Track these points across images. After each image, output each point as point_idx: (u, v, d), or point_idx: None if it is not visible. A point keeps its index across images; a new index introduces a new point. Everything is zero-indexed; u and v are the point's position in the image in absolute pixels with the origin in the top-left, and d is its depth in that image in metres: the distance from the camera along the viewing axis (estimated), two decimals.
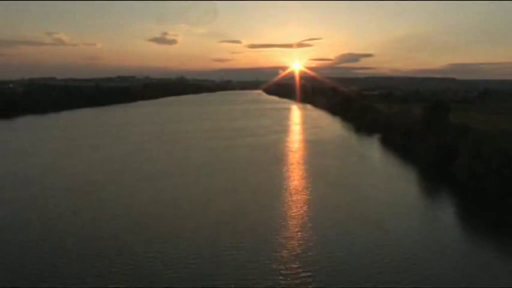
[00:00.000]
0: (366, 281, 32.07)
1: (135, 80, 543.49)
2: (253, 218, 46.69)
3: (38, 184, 61.28)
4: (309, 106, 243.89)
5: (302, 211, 49.37)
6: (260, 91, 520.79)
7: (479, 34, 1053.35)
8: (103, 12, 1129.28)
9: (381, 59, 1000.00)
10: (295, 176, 67.78)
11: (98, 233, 41.77)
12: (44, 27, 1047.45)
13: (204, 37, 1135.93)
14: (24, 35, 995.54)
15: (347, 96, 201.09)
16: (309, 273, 33.37)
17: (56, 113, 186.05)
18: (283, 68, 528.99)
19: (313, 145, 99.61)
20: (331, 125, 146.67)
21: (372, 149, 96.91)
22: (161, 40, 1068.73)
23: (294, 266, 34.71)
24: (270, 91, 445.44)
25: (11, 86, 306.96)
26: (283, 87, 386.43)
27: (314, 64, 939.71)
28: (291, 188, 60.28)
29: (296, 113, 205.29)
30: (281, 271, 33.70)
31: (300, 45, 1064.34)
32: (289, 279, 32.50)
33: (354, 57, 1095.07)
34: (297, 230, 43.11)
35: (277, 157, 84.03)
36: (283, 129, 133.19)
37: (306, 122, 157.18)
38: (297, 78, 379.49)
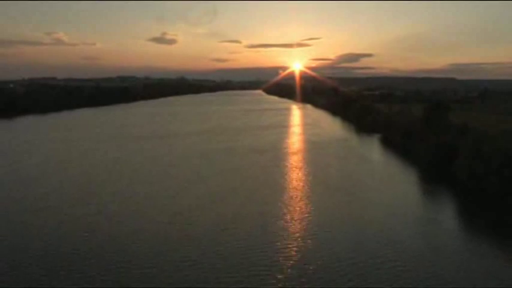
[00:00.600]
0: (365, 281, 32.10)
1: (135, 80, 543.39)
2: (255, 225, 46.62)
3: (34, 184, 61.30)
4: (309, 106, 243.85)
5: (303, 214, 49.35)
6: (260, 91, 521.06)
7: (479, 34, 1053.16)
8: (102, 12, 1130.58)
9: (380, 59, 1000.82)
10: (296, 178, 67.76)
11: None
12: (43, 27, 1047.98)
13: (204, 37, 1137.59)
14: (23, 35, 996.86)
15: (347, 96, 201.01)
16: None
17: (56, 113, 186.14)
18: (284, 68, 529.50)
19: (313, 146, 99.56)
20: (331, 125, 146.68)
21: (372, 149, 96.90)
22: (161, 40, 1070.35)
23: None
24: (270, 91, 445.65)
25: (11, 86, 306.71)
26: (283, 87, 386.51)
27: (314, 64, 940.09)
28: (292, 189, 60.36)
29: (296, 113, 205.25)
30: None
31: (300, 45, 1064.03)
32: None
33: (354, 57, 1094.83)
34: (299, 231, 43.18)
35: (278, 158, 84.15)
36: (283, 130, 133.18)
37: (306, 123, 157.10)
38: (297, 78, 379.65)
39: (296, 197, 55.09)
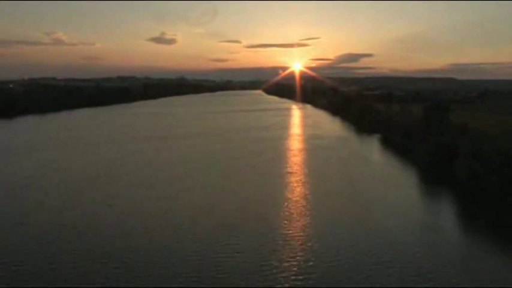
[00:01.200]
0: (365, 281, 32.07)
1: (135, 80, 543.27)
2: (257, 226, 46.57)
3: (29, 185, 61.23)
4: (309, 106, 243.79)
5: (304, 216, 49.30)
6: (260, 91, 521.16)
7: (479, 34, 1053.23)
8: (101, 12, 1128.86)
9: (380, 59, 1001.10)
10: (296, 180, 67.70)
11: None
12: (42, 27, 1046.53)
13: (203, 37, 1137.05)
14: (22, 35, 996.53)
15: (347, 96, 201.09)
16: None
17: (55, 113, 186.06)
18: (284, 68, 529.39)
19: (313, 147, 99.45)
20: (331, 126, 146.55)
21: (372, 150, 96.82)
22: (160, 40, 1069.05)
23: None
24: (269, 91, 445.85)
25: (10, 86, 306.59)
26: (283, 88, 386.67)
27: (314, 64, 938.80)
28: (292, 192, 60.34)
29: (296, 114, 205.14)
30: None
31: (300, 45, 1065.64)
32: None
33: (354, 57, 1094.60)
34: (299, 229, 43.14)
35: (278, 159, 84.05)
36: (283, 130, 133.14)
37: (306, 123, 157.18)
38: (297, 78, 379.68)
39: (296, 197, 55.07)
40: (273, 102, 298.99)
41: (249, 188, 59.95)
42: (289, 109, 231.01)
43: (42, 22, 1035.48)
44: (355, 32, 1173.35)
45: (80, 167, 73.79)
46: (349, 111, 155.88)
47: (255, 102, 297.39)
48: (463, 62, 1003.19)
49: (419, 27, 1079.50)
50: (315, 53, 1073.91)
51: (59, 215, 47.26)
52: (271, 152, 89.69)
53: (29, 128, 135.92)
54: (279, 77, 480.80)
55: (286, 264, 35.00)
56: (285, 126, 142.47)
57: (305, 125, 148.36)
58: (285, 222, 45.42)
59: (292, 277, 32.75)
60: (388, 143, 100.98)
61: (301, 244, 39.26)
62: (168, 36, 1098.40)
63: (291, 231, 42.48)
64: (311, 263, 35.19)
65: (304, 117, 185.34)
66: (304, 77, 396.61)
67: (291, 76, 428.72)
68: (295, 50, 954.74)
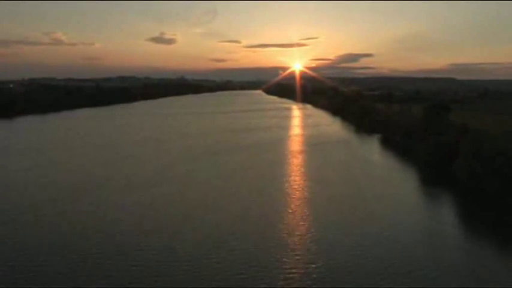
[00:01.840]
0: (365, 281, 32.08)
1: (135, 80, 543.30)
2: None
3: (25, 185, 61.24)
4: (309, 106, 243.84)
5: (306, 217, 49.31)
6: (260, 91, 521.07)
7: (479, 34, 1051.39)
8: (100, 12, 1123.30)
9: (380, 59, 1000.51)
10: (295, 180, 67.80)
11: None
12: (41, 27, 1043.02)
13: (203, 37, 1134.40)
14: (21, 35, 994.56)
15: (347, 96, 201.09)
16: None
17: (56, 113, 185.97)
18: (284, 69, 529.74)
19: (313, 148, 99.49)
20: (331, 126, 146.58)
21: (372, 150, 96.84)
22: (160, 40, 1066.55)
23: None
24: (270, 91, 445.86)
25: (11, 86, 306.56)
26: (283, 88, 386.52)
27: (314, 64, 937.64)
28: (292, 191, 60.39)
29: (296, 114, 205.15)
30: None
31: (300, 45, 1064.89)
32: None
33: (354, 57, 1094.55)
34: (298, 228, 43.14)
35: (278, 159, 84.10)
36: (283, 131, 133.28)
37: (306, 123, 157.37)
38: (297, 78, 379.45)
39: (295, 197, 55.16)
40: (273, 102, 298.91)
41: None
42: (289, 109, 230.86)
43: (41, 22, 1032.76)
44: (355, 32, 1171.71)
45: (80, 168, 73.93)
46: (349, 111, 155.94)
47: (255, 102, 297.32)
48: (463, 62, 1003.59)
49: (419, 27, 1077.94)
50: (315, 53, 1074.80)
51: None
52: (272, 152, 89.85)
53: (30, 128, 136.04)
54: (279, 77, 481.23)
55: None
56: (284, 126, 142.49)
57: (305, 125, 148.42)
58: (286, 222, 45.54)
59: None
60: (388, 143, 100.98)
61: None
62: (167, 36, 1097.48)
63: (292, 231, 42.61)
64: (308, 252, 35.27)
65: (304, 117, 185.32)
66: (304, 77, 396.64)
67: (291, 76, 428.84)
68: (295, 50, 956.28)
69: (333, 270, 33.83)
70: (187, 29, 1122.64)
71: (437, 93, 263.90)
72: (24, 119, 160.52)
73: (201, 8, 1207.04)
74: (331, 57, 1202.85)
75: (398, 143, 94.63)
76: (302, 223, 45.09)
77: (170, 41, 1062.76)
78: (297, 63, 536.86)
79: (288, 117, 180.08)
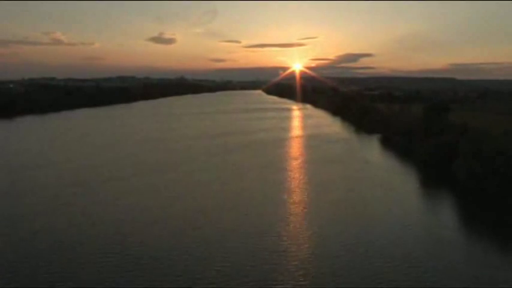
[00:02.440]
0: (365, 281, 32.08)
1: (135, 80, 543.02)
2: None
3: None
4: (309, 106, 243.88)
5: (304, 215, 49.33)
6: (260, 91, 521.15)
7: (479, 34, 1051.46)
8: (100, 12, 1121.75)
9: (380, 58, 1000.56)
10: (295, 177, 67.85)
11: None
12: (41, 26, 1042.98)
13: (202, 37, 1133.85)
14: (20, 35, 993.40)
15: (347, 96, 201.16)
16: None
17: (56, 113, 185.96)
18: (284, 69, 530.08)
19: (313, 148, 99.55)
20: (331, 125, 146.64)
21: (372, 149, 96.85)
22: (160, 40, 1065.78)
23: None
24: (270, 91, 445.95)
25: (11, 86, 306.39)
26: (283, 88, 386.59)
27: (314, 64, 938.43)
28: (291, 190, 60.37)
29: (296, 114, 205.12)
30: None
31: (300, 44, 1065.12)
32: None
33: (354, 57, 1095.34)
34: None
35: (278, 159, 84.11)
36: (283, 132, 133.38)
37: (306, 124, 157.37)
38: (297, 78, 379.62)
39: (295, 195, 55.20)
40: (273, 103, 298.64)
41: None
42: (289, 109, 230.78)
43: (40, 22, 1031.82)
44: (355, 32, 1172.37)
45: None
46: (349, 111, 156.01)
47: (256, 103, 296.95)
48: (463, 62, 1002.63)
49: (419, 27, 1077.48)
50: (315, 53, 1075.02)
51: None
52: (276, 150, 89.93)
53: (30, 128, 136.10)
54: (279, 78, 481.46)
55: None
56: (285, 126, 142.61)
57: (305, 125, 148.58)
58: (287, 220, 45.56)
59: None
60: (388, 143, 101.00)
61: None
62: (167, 36, 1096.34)
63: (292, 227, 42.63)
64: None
65: (304, 117, 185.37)
66: (304, 77, 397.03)
67: (291, 76, 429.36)
68: (294, 50, 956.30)
69: (328, 271, 33.83)
70: (187, 29, 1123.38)
71: (437, 93, 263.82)
72: (24, 119, 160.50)
73: (201, 8, 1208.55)
74: (331, 57, 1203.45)
75: (398, 143, 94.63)
76: (303, 223, 45.18)
77: (170, 41, 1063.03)
78: (296, 63, 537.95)
79: (288, 118, 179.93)
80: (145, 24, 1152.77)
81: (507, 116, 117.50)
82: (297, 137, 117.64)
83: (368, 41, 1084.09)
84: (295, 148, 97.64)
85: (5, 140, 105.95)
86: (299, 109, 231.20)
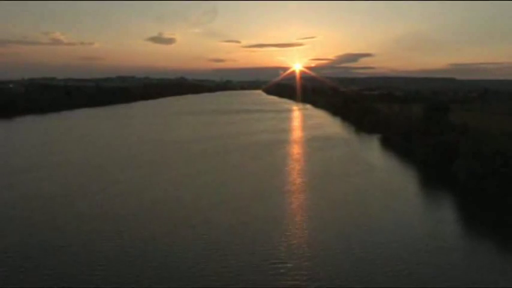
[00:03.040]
0: (365, 280, 32.12)
1: (135, 80, 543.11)
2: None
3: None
4: (308, 106, 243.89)
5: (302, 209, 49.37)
6: (260, 91, 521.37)
7: (479, 34, 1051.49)
8: (99, 12, 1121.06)
9: (380, 59, 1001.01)
10: (295, 176, 67.95)
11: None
12: (40, 26, 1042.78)
13: (202, 37, 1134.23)
14: (20, 34, 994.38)
15: (347, 96, 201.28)
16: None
17: (56, 113, 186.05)
18: (284, 69, 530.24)
19: (313, 149, 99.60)
20: (331, 125, 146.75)
21: (372, 150, 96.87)
22: (160, 40, 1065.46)
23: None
24: (270, 91, 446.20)
25: (11, 86, 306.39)
26: (283, 88, 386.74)
27: (314, 64, 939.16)
28: (291, 187, 60.50)
29: (296, 114, 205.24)
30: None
31: (300, 44, 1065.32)
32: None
33: (354, 57, 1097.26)
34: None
35: (278, 159, 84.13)
36: (283, 132, 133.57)
37: (306, 124, 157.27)
38: (297, 78, 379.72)
39: (294, 194, 55.31)
40: (273, 103, 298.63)
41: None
42: (289, 110, 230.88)
43: (40, 22, 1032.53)
44: (355, 32, 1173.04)
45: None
46: (349, 111, 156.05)
47: (256, 103, 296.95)
48: (463, 62, 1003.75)
49: (419, 27, 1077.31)
50: (315, 53, 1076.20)
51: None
52: (277, 151, 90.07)
53: (30, 128, 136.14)
54: (279, 78, 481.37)
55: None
56: (285, 127, 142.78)
57: (305, 125, 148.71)
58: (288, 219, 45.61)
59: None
60: (387, 143, 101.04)
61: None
62: (167, 36, 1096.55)
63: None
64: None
65: (304, 117, 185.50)
66: (304, 77, 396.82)
67: (291, 76, 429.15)
68: (294, 50, 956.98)
69: (325, 271, 33.88)
70: (186, 28, 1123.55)
71: (437, 93, 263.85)
72: (24, 119, 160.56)
73: (201, 8, 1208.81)
74: (331, 57, 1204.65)
75: (398, 142, 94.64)
76: (303, 223, 45.23)
77: (170, 41, 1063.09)
78: (296, 63, 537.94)
79: (288, 118, 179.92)
80: (145, 24, 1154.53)
81: (507, 116, 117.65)
82: (297, 137, 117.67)
83: (368, 41, 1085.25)
84: (296, 149, 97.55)
85: (5, 140, 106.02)
86: (299, 109, 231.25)
